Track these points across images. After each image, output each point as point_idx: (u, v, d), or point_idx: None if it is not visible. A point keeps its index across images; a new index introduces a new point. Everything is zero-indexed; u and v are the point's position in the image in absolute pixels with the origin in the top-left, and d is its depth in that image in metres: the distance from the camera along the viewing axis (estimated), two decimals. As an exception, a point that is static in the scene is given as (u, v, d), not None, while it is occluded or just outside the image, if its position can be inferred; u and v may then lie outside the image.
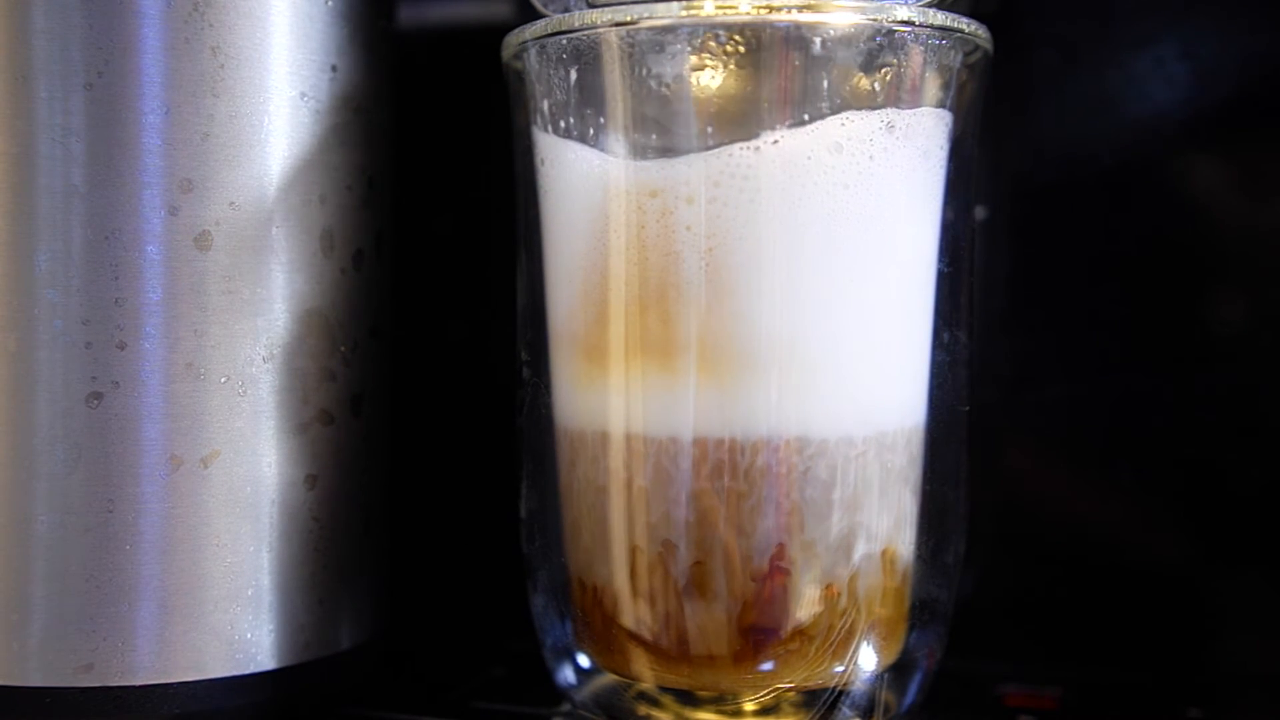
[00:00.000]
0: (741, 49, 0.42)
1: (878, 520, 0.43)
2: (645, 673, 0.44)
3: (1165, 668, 0.53)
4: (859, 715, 0.44)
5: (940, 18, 0.43)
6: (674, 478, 0.42)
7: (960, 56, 0.44)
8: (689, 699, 0.44)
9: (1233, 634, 0.52)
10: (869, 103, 0.42)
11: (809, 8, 0.41)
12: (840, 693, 0.44)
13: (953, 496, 0.47)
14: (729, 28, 0.41)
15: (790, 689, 0.43)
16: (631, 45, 0.42)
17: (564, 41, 0.43)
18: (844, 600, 0.43)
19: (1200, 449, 0.53)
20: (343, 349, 0.47)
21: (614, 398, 0.43)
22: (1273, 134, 0.52)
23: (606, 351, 0.43)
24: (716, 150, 0.42)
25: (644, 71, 0.43)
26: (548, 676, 0.48)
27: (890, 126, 0.42)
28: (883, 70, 0.43)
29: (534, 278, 0.47)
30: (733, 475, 0.42)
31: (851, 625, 0.43)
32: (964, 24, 0.43)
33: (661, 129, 0.43)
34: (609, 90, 0.43)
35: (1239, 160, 0.53)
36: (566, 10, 0.44)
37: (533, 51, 0.45)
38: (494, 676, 0.53)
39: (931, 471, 0.46)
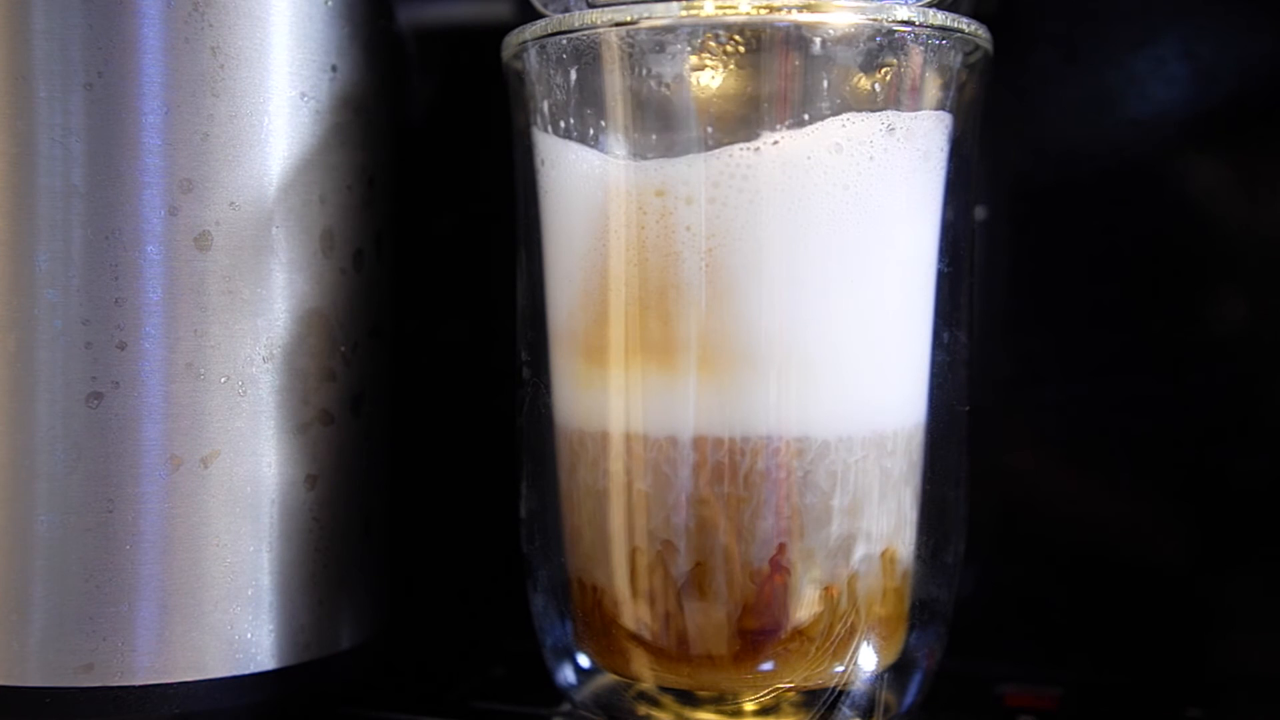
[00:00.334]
0: (741, 49, 0.42)
1: (877, 520, 0.43)
2: (645, 673, 0.44)
3: (1165, 668, 0.53)
4: (859, 715, 0.44)
5: (940, 18, 0.43)
6: (674, 478, 0.42)
7: (960, 57, 0.44)
8: (689, 699, 0.44)
9: (1233, 634, 0.52)
10: (869, 103, 0.42)
11: (809, 8, 0.41)
12: (840, 693, 0.44)
13: (953, 497, 0.47)
14: (729, 28, 0.41)
15: (790, 689, 0.43)
16: (631, 45, 0.42)
17: (564, 42, 0.43)
18: (844, 600, 0.43)
19: (1200, 449, 0.53)
20: (343, 349, 0.47)
21: (614, 398, 0.43)
22: (1273, 134, 0.52)
23: (606, 351, 0.43)
24: (716, 151, 0.42)
25: (644, 72, 0.43)
26: (548, 676, 0.48)
27: (890, 128, 0.42)
28: (883, 70, 0.43)
29: (534, 278, 0.47)
30: (733, 476, 0.42)
31: (851, 625, 0.43)
32: (964, 24, 0.43)
33: (661, 129, 0.43)
34: (609, 90, 0.43)
35: (1239, 160, 0.53)
36: (566, 10, 0.44)
37: (533, 52, 0.45)
38: (494, 676, 0.53)
39: (931, 472, 0.46)
